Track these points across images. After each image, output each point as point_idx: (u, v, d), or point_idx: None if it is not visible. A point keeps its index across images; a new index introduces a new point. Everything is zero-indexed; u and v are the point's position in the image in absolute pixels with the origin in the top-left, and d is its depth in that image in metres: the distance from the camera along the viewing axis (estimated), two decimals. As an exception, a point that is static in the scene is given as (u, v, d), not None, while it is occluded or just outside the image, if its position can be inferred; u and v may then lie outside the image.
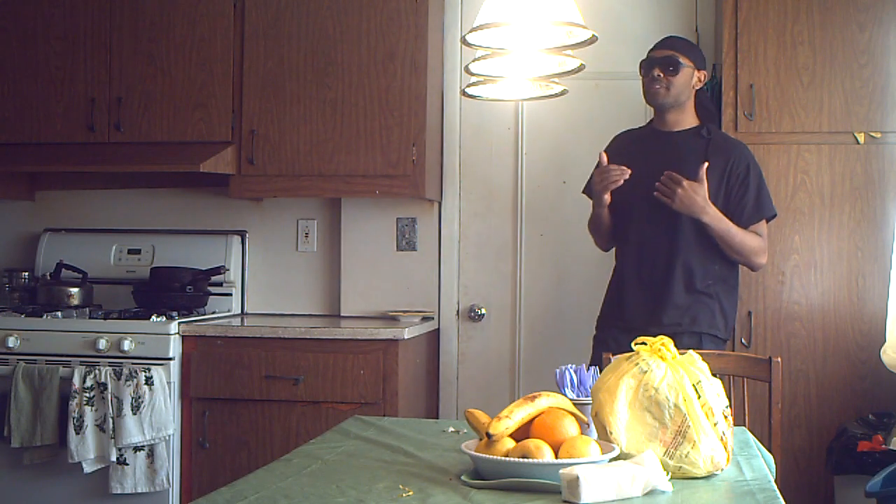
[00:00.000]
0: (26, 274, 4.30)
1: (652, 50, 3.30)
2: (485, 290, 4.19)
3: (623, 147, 3.37)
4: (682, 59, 3.22)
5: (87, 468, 3.55)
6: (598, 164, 3.22)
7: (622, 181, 3.14)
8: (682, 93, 3.25)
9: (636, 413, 1.98)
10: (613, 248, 3.44)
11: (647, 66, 3.26)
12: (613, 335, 3.25)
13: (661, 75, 3.22)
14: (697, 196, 3.09)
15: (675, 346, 3.07)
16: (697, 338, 3.16)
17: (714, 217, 3.13)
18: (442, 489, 1.87)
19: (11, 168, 4.18)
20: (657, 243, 3.20)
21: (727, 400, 2.06)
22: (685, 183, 3.08)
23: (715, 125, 3.39)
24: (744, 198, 3.21)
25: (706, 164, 3.10)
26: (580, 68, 2.17)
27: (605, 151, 3.33)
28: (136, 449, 3.56)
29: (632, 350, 3.07)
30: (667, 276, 3.18)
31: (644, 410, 1.97)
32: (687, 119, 3.30)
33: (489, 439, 1.95)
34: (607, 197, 3.20)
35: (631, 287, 3.24)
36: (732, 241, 3.17)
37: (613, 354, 3.07)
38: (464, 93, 2.42)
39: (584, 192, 3.48)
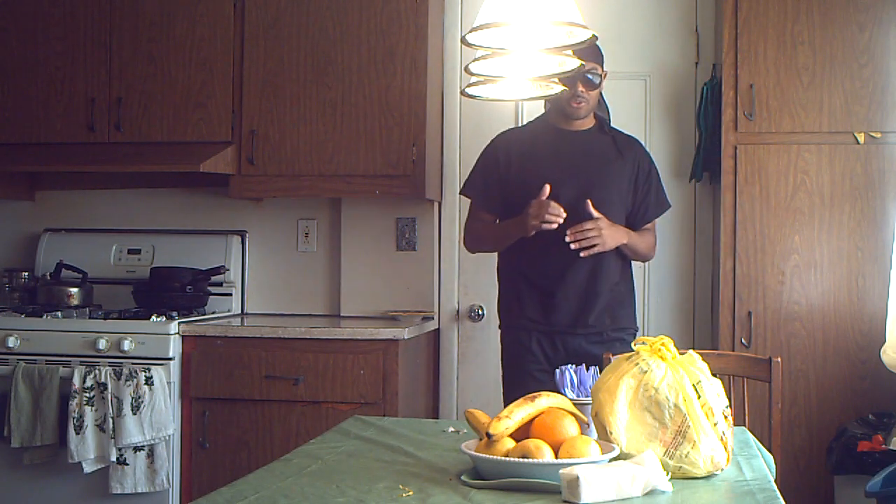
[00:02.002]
0: (26, 274, 4.30)
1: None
2: (485, 290, 4.18)
3: (522, 146, 3.23)
4: (600, 71, 3.16)
5: (87, 468, 3.55)
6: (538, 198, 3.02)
7: (556, 226, 3.00)
8: (596, 99, 3.22)
9: (636, 413, 1.98)
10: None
11: (568, 80, 2.98)
12: (536, 338, 3.16)
13: (584, 90, 3.12)
14: (613, 227, 3.08)
15: (600, 344, 3.10)
16: (620, 334, 3.18)
17: (630, 235, 3.15)
18: (442, 489, 1.87)
19: (11, 168, 4.18)
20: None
21: (727, 400, 2.06)
22: (601, 223, 3.03)
23: (605, 116, 3.36)
24: (648, 194, 3.24)
25: (589, 201, 3.04)
26: (580, 68, 2.17)
27: (492, 150, 3.27)
28: (136, 449, 3.56)
29: (561, 351, 3.09)
30: (593, 278, 3.13)
31: (644, 410, 1.97)
32: (590, 117, 3.24)
33: (489, 439, 1.95)
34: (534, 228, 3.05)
35: (560, 289, 3.13)
36: (639, 248, 3.22)
37: (540, 358, 3.10)
38: (464, 93, 2.41)
39: (464, 193, 3.36)
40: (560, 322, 3.16)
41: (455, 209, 4.20)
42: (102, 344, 3.63)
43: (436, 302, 4.20)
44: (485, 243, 3.34)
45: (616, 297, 3.20)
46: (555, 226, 3.01)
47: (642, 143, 3.38)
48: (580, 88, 3.12)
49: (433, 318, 4.16)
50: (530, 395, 2.04)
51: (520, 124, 4.10)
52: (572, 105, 3.15)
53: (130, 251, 4.31)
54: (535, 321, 3.18)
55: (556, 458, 1.88)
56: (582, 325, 3.15)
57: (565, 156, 3.18)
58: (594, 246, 3.05)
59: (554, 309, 3.16)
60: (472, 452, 1.93)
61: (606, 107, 3.46)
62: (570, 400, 2.10)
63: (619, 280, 3.21)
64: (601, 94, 3.29)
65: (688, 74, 4.07)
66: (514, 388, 3.06)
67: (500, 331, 3.32)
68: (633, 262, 3.30)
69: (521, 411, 1.98)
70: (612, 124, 3.40)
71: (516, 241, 3.14)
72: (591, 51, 3.09)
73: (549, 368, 3.04)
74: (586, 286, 3.14)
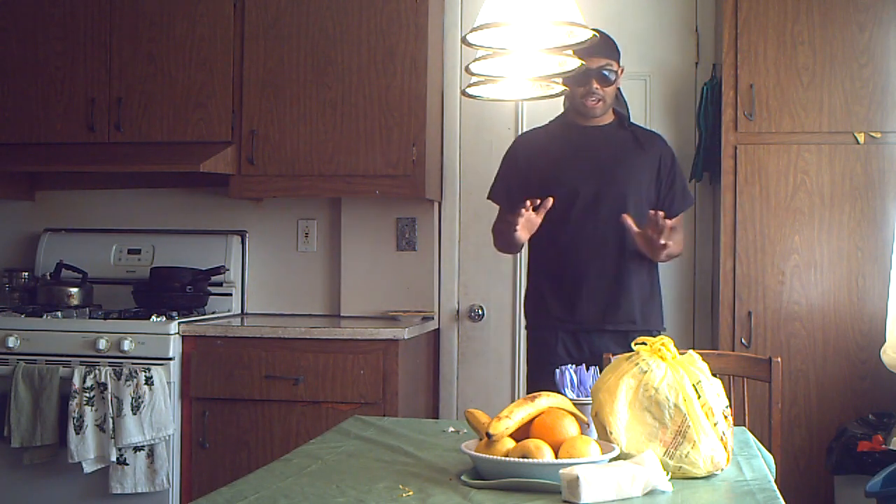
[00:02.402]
0: (26, 274, 4.30)
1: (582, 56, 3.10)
2: (485, 290, 4.19)
3: (542, 146, 3.23)
4: (616, 67, 3.13)
5: (87, 468, 3.55)
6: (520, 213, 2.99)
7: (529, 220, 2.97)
8: (613, 96, 3.19)
9: (636, 413, 1.98)
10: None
11: (582, 76, 3.04)
12: (562, 338, 3.15)
13: (599, 87, 3.10)
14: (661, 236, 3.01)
15: (626, 348, 3.09)
16: (647, 334, 3.14)
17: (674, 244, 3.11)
18: (442, 489, 1.87)
19: (11, 168, 4.18)
20: (608, 241, 3.10)
21: (727, 400, 2.06)
22: (666, 231, 2.98)
23: (623, 112, 3.35)
24: (672, 188, 3.21)
25: (661, 213, 2.98)
26: (580, 68, 2.17)
27: (512, 153, 3.26)
28: (136, 449, 3.56)
29: (586, 352, 3.09)
30: (621, 274, 3.12)
31: (644, 410, 1.97)
32: (609, 113, 3.23)
33: (489, 439, 1.95)
34: (523, 236, 3.03)
35: (586, 286, 3.12)
36: (675, 253, 3.18)
37: (565, 359, 3.04)
38: (464, 93, 2.41)
39: (490, 198, 3.31)
40: (587, 318, 3.13)
41: (455, 209, 4.20)
42: (102, 344, 3.63)
43: (436, 302, 4.20)
44: (502, 244, 3.33)
45: (644, 293, 3.17)
46: (519, 222, 2.96)
47: (662, 137, 3.35)
48: (595, 85, 3.10)
49: (433, 318, 4.16)
50: (530, 395, 2.04)
51: (519, 124, 4.13)
52: (587, 104, 3.13)
53: (130, 251, 4.31)
54: (561, 319, 3.15)
55: (556, 458, 1.88)
56: (611, 321, 3.12)
57: (585, 152, 3.17)
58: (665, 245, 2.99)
59: (581, 304, 3.13)
60: (472, 452, 1.93)
61: (625, 102, 3.44)
62: (570, 400, 2.10)
63: (645, 277, 3.19)
64: (619, 89, 3.28)
65: (688, 74, 4.08)
66: (538, 388, 3.06)
67: (526, 331, 3.32)
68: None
69: (521, 411, 1.98)
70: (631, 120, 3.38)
71: (543, 240, 3.12)
72: (606, 47, 3.09)
73: None
74: (614, 279, 3.12)
